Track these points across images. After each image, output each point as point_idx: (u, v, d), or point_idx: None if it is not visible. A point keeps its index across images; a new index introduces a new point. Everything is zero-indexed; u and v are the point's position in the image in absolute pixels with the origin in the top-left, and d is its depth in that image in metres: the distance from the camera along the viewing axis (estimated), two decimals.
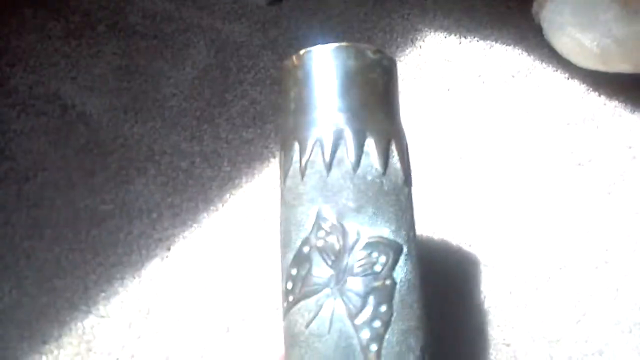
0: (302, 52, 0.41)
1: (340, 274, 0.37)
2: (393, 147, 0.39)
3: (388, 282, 0.37)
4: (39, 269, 0.55)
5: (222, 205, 0.60)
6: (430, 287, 0.56)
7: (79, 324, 0.53)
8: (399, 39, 0.72)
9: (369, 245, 0.37)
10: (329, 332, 0.36)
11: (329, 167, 0.38)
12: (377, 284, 0.36)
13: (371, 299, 0.36)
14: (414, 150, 0.44)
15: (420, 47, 0.71)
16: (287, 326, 0.38)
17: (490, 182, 0.64)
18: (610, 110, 0.71)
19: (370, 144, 0.38)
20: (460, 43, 0.72)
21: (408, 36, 0.72)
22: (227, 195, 0.61)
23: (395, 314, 0.36)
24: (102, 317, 0.53)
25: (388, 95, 0.41)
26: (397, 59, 0.66)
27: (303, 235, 0.38)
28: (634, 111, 0.71)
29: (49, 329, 0.52)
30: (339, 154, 0.38)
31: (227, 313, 0.54)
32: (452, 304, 0.57)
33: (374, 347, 0.35)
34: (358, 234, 0.37)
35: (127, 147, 0.63)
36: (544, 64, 0.74)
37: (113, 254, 0.56)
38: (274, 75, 0.69)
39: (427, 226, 0.60)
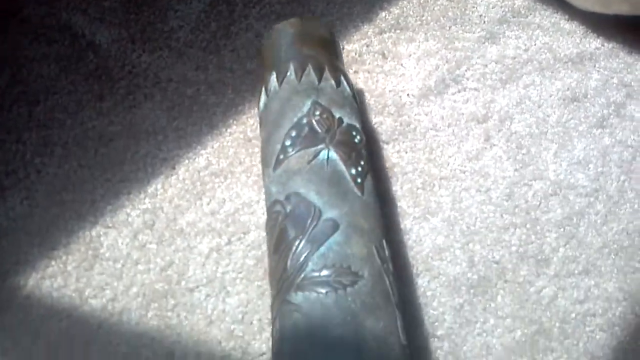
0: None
1: (332, 138, 0.50)
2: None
3: (363, 150, 0.52)
4: (49, 183, 0.58)
5: (226, 129, 0.63)
6: (418, 209, 0.58)
7: (87, 233, 0.55)
8: None
9: (347, 126, 0.52)
10: (326, 167, 0.49)
11: (319, 80, 0.54)
12: (356, 147, 0.51)
13: (354, 155, 0.50)
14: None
15: None
16: (287, 167, 0.49)
17: (489, 113, 0.66)
18: (608, 50, 0.73)
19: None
20: None
21: None
22: (231, 121, 0.63)
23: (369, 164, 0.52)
24: (109, 227, 0.56)
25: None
26: None
27: (300, 114, 0.51)
28: (632, 52, 0.73)
29: (58, 237, 0.55)
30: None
31: (227, 226, 0.57)
32: (440, 221, 0.59)
33: (359, 179, 0.49)
34: (341, 119, 0.52)
35: (134, 75, 0.65)
36: (544, 5, 0.75)
37: (120, 171, 0.59)
38: (277, 11, 0.71)
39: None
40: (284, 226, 0.47)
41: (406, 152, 0.63)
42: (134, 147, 0.60)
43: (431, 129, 0.65)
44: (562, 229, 0.60)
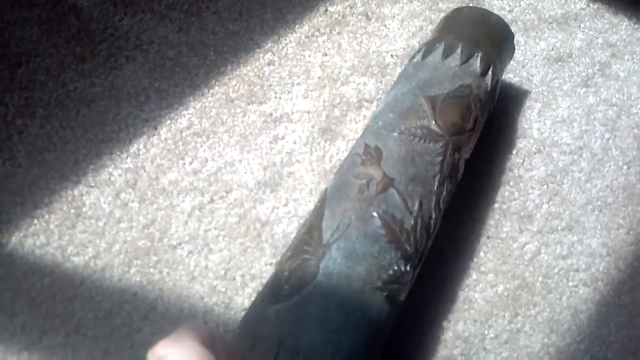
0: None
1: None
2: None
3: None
4: (31, 144, 0.57)
5: (208, 90, 0.62)
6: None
7: (69, 192, 0.55)
8: None
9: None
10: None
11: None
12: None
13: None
14: None
15: None
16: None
17: None
18: (593, 11, 0.73)
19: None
20: None
21: None
22: (213, 82, 0.63)
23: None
24: (91, 186, 0.56)
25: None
26: None
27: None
28: (617, 12, 0.72)
29: (40, 196, 0.55)
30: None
31: (209, 185, 0.57)
32: None
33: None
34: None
35: (116, 37, 0.65)
36: None
37: (101, 131, 0.59)
38: None
39: None
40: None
41: None
42: (116, 108, 0.60)
43: None
44: (545, 186, 0.60)
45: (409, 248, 0.45)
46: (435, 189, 0.48)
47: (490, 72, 0.54)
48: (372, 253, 0.44)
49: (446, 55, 0.53)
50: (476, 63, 0.54)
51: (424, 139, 0.49)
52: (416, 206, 0.47)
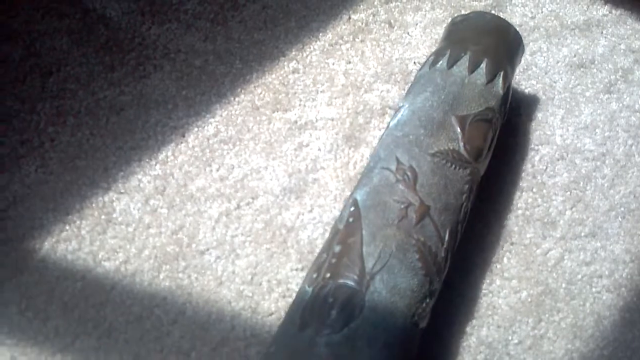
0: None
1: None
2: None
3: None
4: (63, 151, 0.59)
5: (234, 98, 0.64)
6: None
7: (100, 199, 0.57)
8: None
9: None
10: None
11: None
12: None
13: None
14: None
15: None
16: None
17: None
18: (615, 17, 0.73)
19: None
20: None
21: None
22: (239, 90, 0.64)
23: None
24: (121, 193, 0.57)
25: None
26: None
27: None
28: (639, 18, 0.72)
29: (72, 202, 0.56)
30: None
31: (236, 191, 0.58)
32: None
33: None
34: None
35: (144, 46, 0.66)
36: None
37: (131, 139, 0.60)
38: None
39: None
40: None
41: None
42: (144, 116, 0.61)
43: None
44: (568, 192, 0.61)
45: (438, 279, 0.46)
46: (460, 218, 0.49)
47: (509, 92, 0.56)
48: (412, 287, 0.44)
49: (472, 69, 0.54)
50: (499, 83, 0.54)
51: (454, 164, 0.49)
52: (447, 237, 0.47)
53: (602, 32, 0.71)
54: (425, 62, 0.57)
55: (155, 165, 0.59)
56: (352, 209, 0.48)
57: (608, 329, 0.55)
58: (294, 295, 0.52)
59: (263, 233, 0.56)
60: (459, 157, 0.50)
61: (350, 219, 0.47)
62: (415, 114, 0.52)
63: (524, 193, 0.60)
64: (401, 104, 0.55)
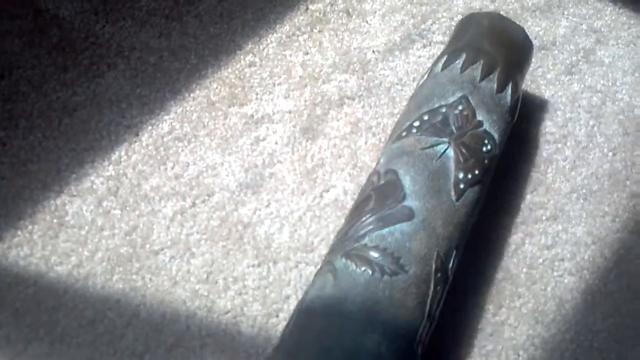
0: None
1: (459, 136, 0.50)
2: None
3: (487, 161, 0.51)
4: (14, 155, 0.58)
5: (189, 94, 0.63)
6: None
7: (52, 202, 0.56)
8: None
9: (483, 132, 0.52)
10: (435, 160, 0.48)
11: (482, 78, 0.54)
12: (480, 155, 0.50)
13: (472, 162, 0.50)
14: None
15: None
16: (401, 145, 0.50)
17: None
18: None
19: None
20: None
21: None
22: (194, 86, 0.63)
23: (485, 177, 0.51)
24: (74, 195, 0.56)
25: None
26: None
27: (443, 102, 0.51)
28: None
29: (23, 207, 0.56)
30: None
31: (191, 189, 0.57)
32: None
33: (462, 185, 0.48)
34: (480, 123, 0.51)
35: (97, 45, 0.65)
36: None
37: (84, 140, 0.59)
38: None
39: None
40: (368, 195, 0.48)
41: (371, 107, 0.63)
42: (98, 116, 0.61)
43: (396, 84, 0.65)
44: (529, 176, 0.60)
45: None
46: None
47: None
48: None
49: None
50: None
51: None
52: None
53: (563, 13, 0.71)
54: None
55: (109, 165, 0.58)
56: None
57: (570, 312, 0.54)
58: (250, 292, 0.52)
59: (219, 230, 0.55)
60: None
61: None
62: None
63: None
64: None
